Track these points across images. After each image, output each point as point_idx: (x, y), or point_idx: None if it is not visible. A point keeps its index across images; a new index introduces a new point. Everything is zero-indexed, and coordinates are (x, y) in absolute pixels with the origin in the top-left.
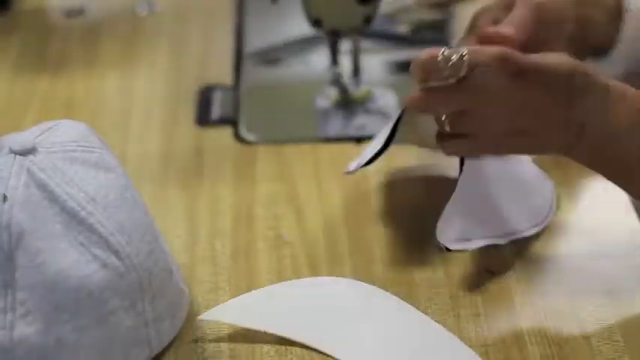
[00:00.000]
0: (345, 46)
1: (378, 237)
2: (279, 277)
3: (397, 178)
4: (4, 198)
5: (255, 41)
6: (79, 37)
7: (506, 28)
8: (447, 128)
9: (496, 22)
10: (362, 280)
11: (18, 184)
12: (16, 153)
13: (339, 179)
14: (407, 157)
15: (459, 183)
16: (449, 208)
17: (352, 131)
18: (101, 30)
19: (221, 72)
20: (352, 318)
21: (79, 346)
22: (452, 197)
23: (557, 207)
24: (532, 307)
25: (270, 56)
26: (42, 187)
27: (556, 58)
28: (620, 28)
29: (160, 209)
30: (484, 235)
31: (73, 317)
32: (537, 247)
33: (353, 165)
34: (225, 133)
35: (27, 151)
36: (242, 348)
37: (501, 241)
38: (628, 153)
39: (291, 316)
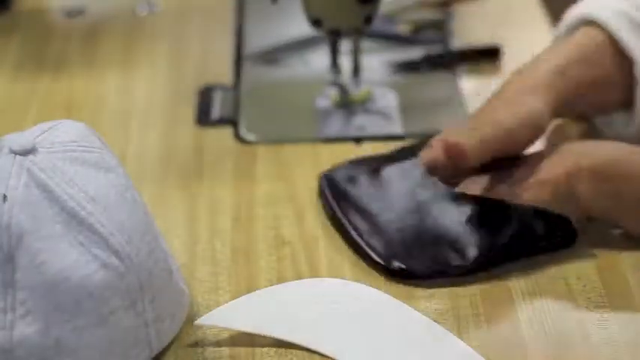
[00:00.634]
0: (345, 46)
1: None
2: (279, 278)
3: None
4: (4, 198)
5: (255, 41)
6: (79, 37)
7: None
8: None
9: None
10: (362, 281)
11: (18, 184)
12: (16, 153)
13: None
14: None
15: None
16: None
17: (352, 131)
18: (101, 30)
19: (221, 72)
20: (352, 319)
21: (79, 346)
22: None
23: None
24: (532, 307)
25: (270, 56)
26: (42, 187)
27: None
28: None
29: (159, 209)
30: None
31: (73, 317)
32: None
33: None
34: (225, 133)
35: (27, 151)
36: (242, 348)
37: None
38: None
39: (289, 319)
